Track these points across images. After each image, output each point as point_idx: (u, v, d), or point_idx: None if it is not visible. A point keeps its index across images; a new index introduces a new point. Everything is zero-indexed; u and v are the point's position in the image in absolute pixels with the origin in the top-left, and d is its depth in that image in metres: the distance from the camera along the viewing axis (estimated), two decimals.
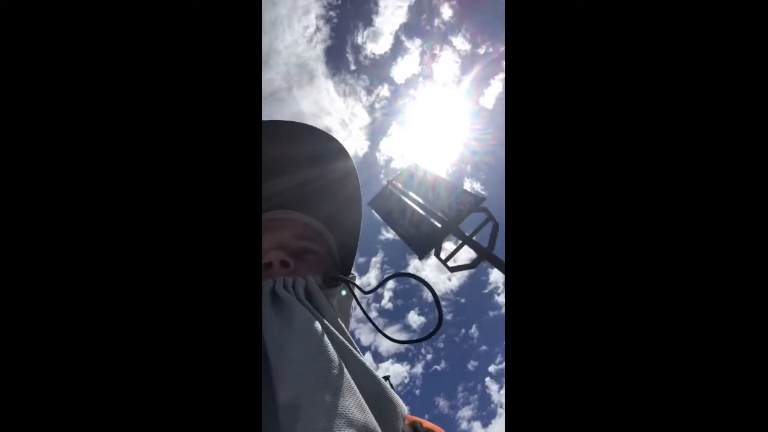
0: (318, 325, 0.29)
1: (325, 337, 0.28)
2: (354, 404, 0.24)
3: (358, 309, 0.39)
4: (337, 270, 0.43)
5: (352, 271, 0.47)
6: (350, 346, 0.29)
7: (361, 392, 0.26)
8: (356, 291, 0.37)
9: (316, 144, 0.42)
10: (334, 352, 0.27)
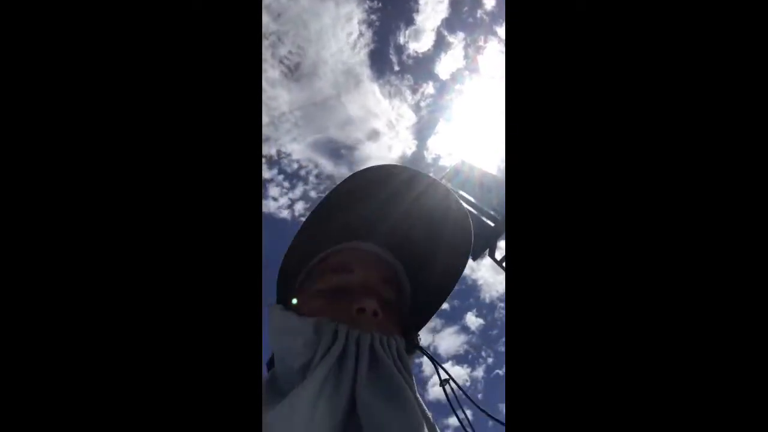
0: (416, 399, 0.27)
1: (420, 412, 0.26)
2: None
3: None
4: (413, 330, 0.39)
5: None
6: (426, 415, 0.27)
7: None
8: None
9: (431, 193, 0.37)
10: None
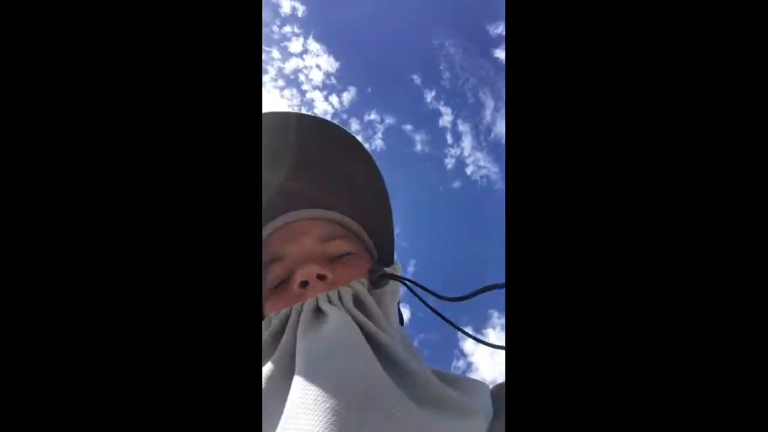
0: (354, 326, 0.25)
1: (363, 340, 0.24)
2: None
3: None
4: (380, 264, 0.37)
5: (395, 259, 0.40)
6: (403, 354, 0.24)
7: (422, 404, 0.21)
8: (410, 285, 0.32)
9: (333, 136, 0.35)
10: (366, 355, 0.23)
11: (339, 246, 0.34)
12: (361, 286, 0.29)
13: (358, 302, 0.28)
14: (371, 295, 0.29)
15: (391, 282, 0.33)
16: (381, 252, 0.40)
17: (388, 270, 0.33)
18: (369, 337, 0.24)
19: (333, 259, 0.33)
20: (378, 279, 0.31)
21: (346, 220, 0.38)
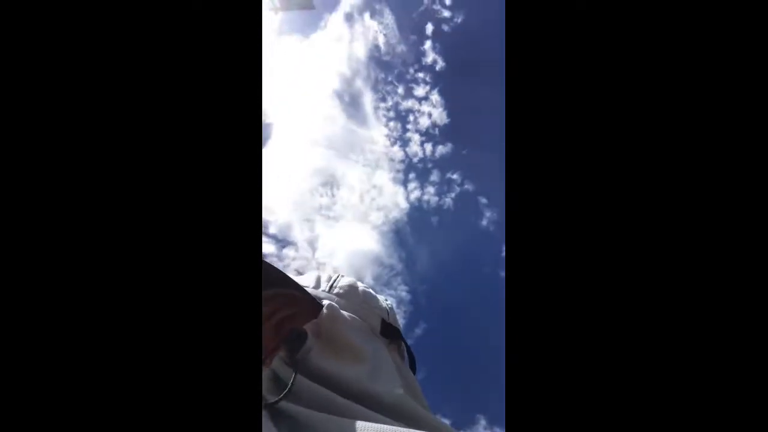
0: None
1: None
2: None
3: None
4: (313, 308, 0.41)
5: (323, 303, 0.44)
6: None
7: None
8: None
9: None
10: None
11: (275, 318, 0.38)
12: (278, 364, 0.32)
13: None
14: (289, 365, 0.32)
15: (326, 314, 0.37)
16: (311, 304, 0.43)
17: (314, 320, 0.36)
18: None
19: (276, 332, 0.36)
20: (292, 343, 0.34)
21: (272, 291, 0.40)
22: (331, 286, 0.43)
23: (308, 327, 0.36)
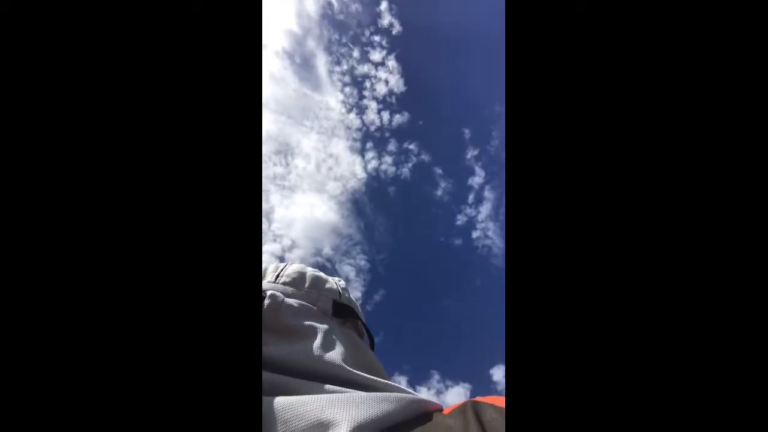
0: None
1: None
2: None
3: None
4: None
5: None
6: None
7: None
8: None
9: None
10: None
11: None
12: None
13: None
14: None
15: (266, 306, 0.38)
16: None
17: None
18: None
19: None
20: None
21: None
22: (278, 276, 0.44)
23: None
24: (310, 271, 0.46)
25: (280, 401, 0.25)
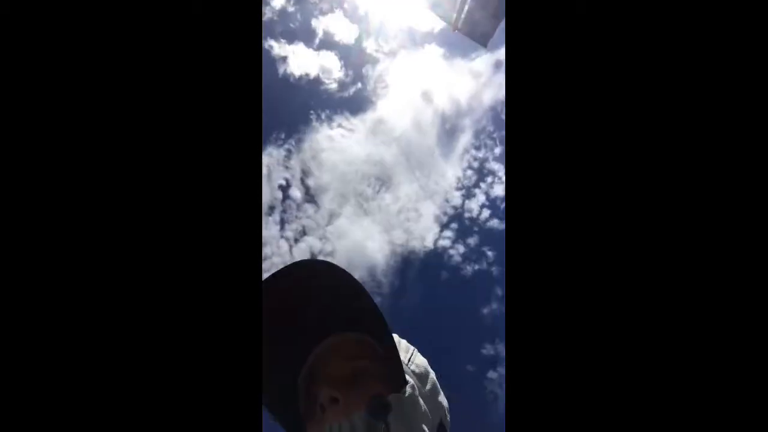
0: None
1: None
2: None
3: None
4: (394, 379, 0.42)
5: (407, 379, 0.43)
6: None
7: None
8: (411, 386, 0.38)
9: (338, 279, 0.42)
10: None
11: (359, 364, 0.40)
12: (359, 423, 0.35)
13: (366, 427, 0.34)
14: (369, 424, 0.35)
15: (409, 394, 0.38)
16: (396, 373, 0.43)
17: (397, 394, 0.38)
18: None
19: (353, 379, 0.39)
20: (376, 408, 0.36)
21: (360, 336, 0.43)
22: (409, 359, 0.44)
23: (392, 399, 0.37)
24: (432, 374, 0.46)
25: None
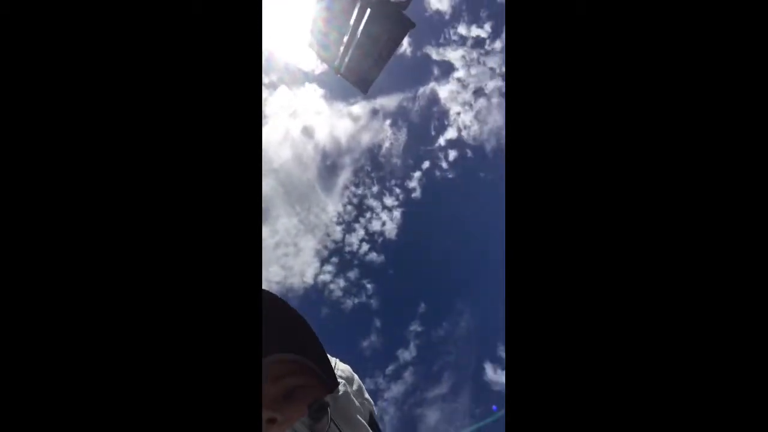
0: None
1: None
2: None
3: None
4: (327, 384, 0.45)
5: (340, 380, 0.47)
6: None
7: None
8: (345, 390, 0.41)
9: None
10: None
11: (288, 382, 0.43)
12: (301, 426, 0.37)
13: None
14: (311, 425, 0.37)
15: (343, 392, 0.42)
16: (329, 378, 0.47)
17: (332, 394, 0.42)
18: None
19: (285, 397, 0.42)
20: (315, 413, 0.38)
21: (291, 355, 0.46)
22: (335, 366, 0.48)
23: (329, 399, 0.40)
24: (356, 376, 0.50)
25: None
